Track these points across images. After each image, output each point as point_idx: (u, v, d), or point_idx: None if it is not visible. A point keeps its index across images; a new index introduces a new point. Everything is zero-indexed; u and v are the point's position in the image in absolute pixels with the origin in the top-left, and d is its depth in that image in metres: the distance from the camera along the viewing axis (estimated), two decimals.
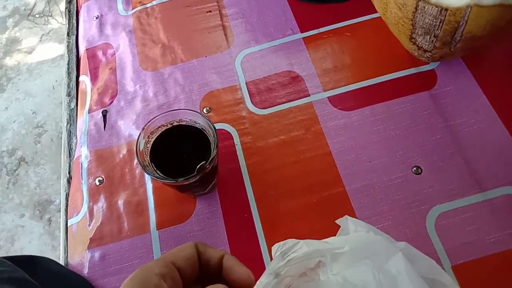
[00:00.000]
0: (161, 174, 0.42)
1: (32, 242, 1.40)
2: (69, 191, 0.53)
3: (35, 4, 1.94)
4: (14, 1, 1.95)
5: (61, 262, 0.48)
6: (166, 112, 0.44)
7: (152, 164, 0.44)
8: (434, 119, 0.50)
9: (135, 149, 0.42)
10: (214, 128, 0.43)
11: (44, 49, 1.81)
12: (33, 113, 1.65)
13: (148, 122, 0.43)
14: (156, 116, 0.44)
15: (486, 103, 0.51)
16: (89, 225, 0.49)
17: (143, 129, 0.43)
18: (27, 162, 1.55)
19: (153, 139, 0.45)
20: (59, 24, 1.87)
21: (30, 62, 1.78)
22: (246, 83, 0.56)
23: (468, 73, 0.53)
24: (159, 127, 0.45)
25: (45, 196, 1.48)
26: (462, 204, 0.45)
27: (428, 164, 0.48)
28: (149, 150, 0.44)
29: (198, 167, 0.40)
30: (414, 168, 0.48)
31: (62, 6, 1.92)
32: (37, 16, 1.90)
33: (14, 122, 1.64)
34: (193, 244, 0.31)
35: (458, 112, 0.51)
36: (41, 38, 1.84)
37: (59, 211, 1.44)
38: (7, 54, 1.81)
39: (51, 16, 1.89)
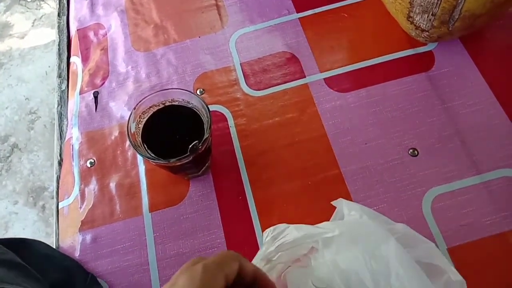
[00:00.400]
0: (153, 155, 0.41)
1: (26, 229, 1.39)
2: (60, 173, 0.52)
3: None
4: None
5: (53, 245, 0.48)
6: (158, 91, 0.43)
7: (144, 145, 0.43)
8: (431, 101, 0.50)
9: (126, 129, 0.41)
10: (208, 108, 0.42)
11: (36, 34, 1.77)
12: (26, 99, 1.62)
13: (140, 101, 0.42)
14: (147, 96, 0.43)
15: (484, 84, 0.50)
16: (80, 207, 0.48)
17: (134, 108, 0.42)
18: (20, 149, 1.53)
19: (145, 119, 0.44)
20: (52, 9, 1.83)
21: (23, 48, 1.75)
22: (240, 64, 0.55)
23: (466, 55, 0.52)
24: (150, 107, 0.44)
25: (39, 182, 1.46)
26: (458, 187, 0.45)
27: (425, 146, 0.47)
28: (141, 130, 0.43)
29: (190, 147, 0.40)
30: (411, 150, 0.47)
31: None
32: (29, 0, 1.87)
33: (6, 108, 1.61)
34: (236, 257, 0.28)
35: (455, 94, 0.50)
36: (33, 23, 1.81)
37: (53, 197, 1.43)
38: None
39: (43, 0, 1.86)
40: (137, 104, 0.42)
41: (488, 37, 0.54)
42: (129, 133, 0.41)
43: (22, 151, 1.52)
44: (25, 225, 1.40)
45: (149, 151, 0.42)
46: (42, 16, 1.82)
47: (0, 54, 1.75)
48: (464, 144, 0.47)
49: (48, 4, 1.85)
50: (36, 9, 1.84)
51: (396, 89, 0.51)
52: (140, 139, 0.43)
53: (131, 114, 0.42)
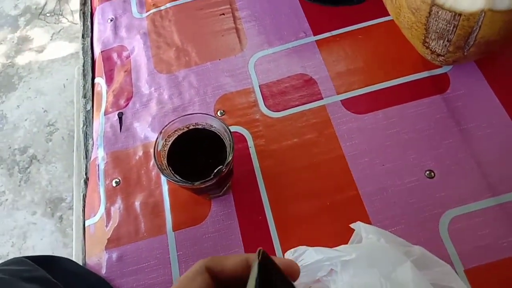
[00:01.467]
0: (179, 178, 0.43)
1: (43, 240, 1.42)
2: (86, 192, 0.54)
3: (46, 3, 1.95)
4: (25, 0, 1.96)
5: (79, 262, 0.50)
6: (182, 116, 0.45)
7: (170, 168, 0.44)
8: (447, 123, 0.51)
9: (152, 152, 0.43)
10: (230, 132, 0.44)
11: (55, 47, 1.82)
12: (44, 111, 1.66)
13: (165, 125, 0.44)
14: (172, 120, 0.44)
15: (499, 106, 0.51)
16: (106, 226, 0.50)
17: (160, 132, 0.44)
18: (38, 160, 1.57)
19: (170, 142, 0.46)
20: (70, 23, 1.88)
21: (42, 61, 1.79)
22: (259, 86, 0.56)
23: (480, 77, 0.54)
24: (175, 130, 0.46)
25: (57, 193, 1.50)
26: (474, 208, 0.46)
27: (441, 168, 0.48)
28: (166, 153, 0.45)
29: (215, 171, 0.41)
30: (427, 172, 0.48)
31: (73, 5, 1.93)
32: (48, 15, 1.92)
33: (25, 120, 1.66)
34: (202, 266, 0.26)
35: (471, 116, 0.51)
36: (52, 36, 1.86)
37: (70, 208, 1.46)
38: (19, 53, 1.83)
39: (61, 15, 1.91)
40: (163, 128, 0.44)
41: (502, 60, 0.55)
42: (156, 156, 0.43)
43: (41, 162, 1.56)
44: (42, 236, 1.43)
45: (176, 175, 0.43)
46: (60, 30, 1.87)
47: (20, 67, 1.80)
48: (480, 166, 0.48)
49: (67, 19, 1.90)
50: (55, 23, 1.89)
51: (412, 111, 0.52)
52: (165, 161, 0.45)
53: (157, 140, 0.43)
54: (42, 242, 1.42)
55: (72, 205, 1.45)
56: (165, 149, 0.45)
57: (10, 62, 1.82)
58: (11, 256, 1.41)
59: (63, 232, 1.43)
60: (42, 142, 1.60)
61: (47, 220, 1.45)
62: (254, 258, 0.24)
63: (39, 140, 1.61)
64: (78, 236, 0.71)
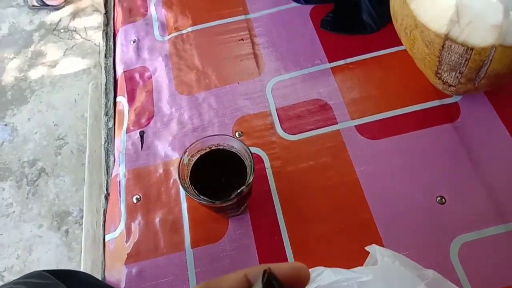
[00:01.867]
0: (203, 197, 0.45)
1: (48, 253, 1.43)
2: (106, 207, 0.56)
3: (60, 20, 2.00)
4: (41, 16, 2.02)
5: (99, 276, 0.51)
6: (205, 137, 0.47)
7: (192, 186, 0.46)
8: (457, 150, 0.53)
9: (177, 171, 0.45)
10: (251, 153, 0.46)
11: (67, 63, 1.86)
12: (54, 125, 1.69)
13: (189, 146, 0.46)
14: (196, 141, 0.47)
15: (507, 135, 0.53)
16: (126, 241, 0.51)
17: (185, 152, 0.46)
18: (47, 173, 1.59)
19: (193, 162, 0.48)
20: (83, 39, 1.93)
21: (54, 75, 1.83)
22: (276, 109, 0.59)
23: (489, 106, 0.56)
24: (198, 150, 0.48)
25: (64, 207, 1.51)
26: (484, 235, 0.47)
27: (452, 194, 0.50)
28: (189, 172, 0.47)
29: (237, 192, 0.43)
30: (438, 198, 0.50)
31: (86, 22, 1.98)
32: (62, 31, 1.97)
33: (36, 133, 1.68)
34: None
35: (480, 144, 0.53)
36: (65, 52, 1.90)
37: (77, 222, 1.47)
38: (32, 67, 1.87)
39: (75, 31, 1.96)
40: (187, 148, 0.46)
41: (510, 90, 0.57)
42: (180, 175, 0.45)
43: (49, 176, 1.58)
44: (48, 249, 1.43)
45: (200, 195, 0.45)
46: (73, 46, 1.91)
47: (33, 81, 1.83)
48: (490, 193, 0.50)
49: (80, 35, 1.94)
50: (68, 39, 1.94)
51: (424, 138, 0.54)
52: (188, 180, 0.46)
53: (181, 159, 0.45)
54: (47, 256, 1.42)
55: (79, 219, 1.46)
56: (188, 168, 0.47)
57: (23, 75, 1.86)
58: (15, 269, 1.42)
59: (69, 246, 1.44)
60: (51, 155, 1.62)
61: (53, 234, 1.46)
62: (255, 276, 0.23)
63: (48, 153, 1.63)
64: (87, 250, 0.72)
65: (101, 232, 0.54)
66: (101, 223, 0.55)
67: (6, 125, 1.72)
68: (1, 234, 1.48)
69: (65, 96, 1.76)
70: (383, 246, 0.48)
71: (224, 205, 0.45)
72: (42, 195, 1.54)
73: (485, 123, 0.54)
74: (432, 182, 0.51)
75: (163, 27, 0.69)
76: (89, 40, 1.91)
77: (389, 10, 0.55)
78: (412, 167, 0.52)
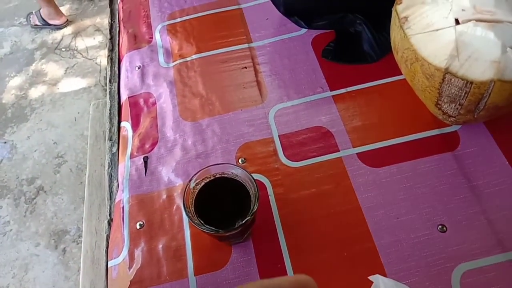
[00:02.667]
0: (207, 226, 0.45)
1: (45, 272, 1.42)
2: (109, 233, 0.56)
3: (62, 39, 2.03)
4: (43, 35, 2.04)
5: None
6: (209, 166, 0.48)
7: (196, 214, 0.47)
8: (457, 179, 0.54)
9: (182, 201, 0.46)
10: (255, 182, 0.46)
11: (68, 81, 1.88)
12: (54, 143, 1.70)
13: (194, 175, 0.47)
14: (200, 170, 0.47)
15: (507, 165, 0.54)
16: (129, 268, 0.51)
17: (190, 180, 0.47)
18: (45, 191, 1.58)
19: (197, 190, 0.48)
20: (84, 59, 1.95)
21: (54, 94, 1.85)
22: (279, 136, 0.60)
23: (488, 135, 0.57)
24: (203, 178, 0.48)
25: (61, 225, 1.50)
26: (485, 264, 0.48)
27: (453, 223, 0.51)
28: (194, 200, 0.48)
29: (242, 222, 0.44)
30: (439, 226, 0.50)
31: (88, 42, 2.00)
32: (63, 50, 1.99)
33: (35, 151, 1.69)
34: None
35: (480, 173, 0.54)
36: (66, 71, 1.92)
37: (74, 241, 1.46)
38: (33, 85, 1.88)
39: (76, 50, 1.98)
40: (192, 178, 0.47)
41: (509, 120, 0.58)
42: (185, 206, 0.45)
43: (48, 194, 1.57)
44: (45, 268, 1.42)
45: (205, 224, 0.46)
46: (74, 65, 1.93)
47: (33, 99, 1.84)
48: (490, 222, 0.50)
49: (81, 54, 1.97)
50: (70, 58, 1.96)
51: (424, 166, 0.55)
52: (193, 209, 0.47)
53: (186, 189, 0.46)
54: (43, 275, 1.41)
55: (77, 238, 1.45)
56: (192, 196, 0.48)
57: (24, 93, 1.87)
58: None
59: (66, 265, 1.42)
60: (50, 173, 1.62)
61: (50, 252, 1.45)
62: None
63: (47, 171, 1.63)
64: (86, 272, 0.72)
65: (102, 254, 0.55)
66: (104, 248, 0.55)
67: (5, 142, 1.73)
68: None
69: (65, 114, 1.78)
70: (385, 274, 0.48)
71: (228, 234, 0.45)
72: (40, 213, 1.54)
73: (484, 151, 0.55)
74: (433, 210, 0.52)
75: (168, 54, 0.70)
76: (90, 59, 1.93)
77: (390, 41, 0.56)
78: (413, 195, 0.53)
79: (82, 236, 0.74)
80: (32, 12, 2.01)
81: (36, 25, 2.02)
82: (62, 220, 1.51)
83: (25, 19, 2.08)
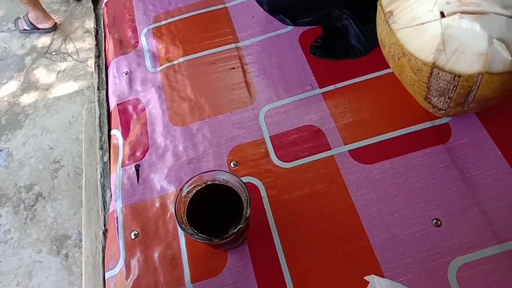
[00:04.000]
0: (201, 235, 0.45)
1: (49, 278, 1.42)
2: (105, 244, 0.56)
3: (51, 42, 2.01)
4: (32, 39, 2.02)
5: None
6: (201, 173, 0.47)
7: (189, 224, 0.46)
8: (450, 171, 0.53)
9: (174, 210, 0.45)
10: (246, 187, 0.46)
11: (60, 85, 1.87)
12: (50, 149, 1.69)
13: (185, 183, 0.47)
14: (191, 178, 0.47)
15: (499, 155, 0.54)
16: (126, 278, 0.51)
17: (180, 189, 0.46)
18: (44, 197, 1.58)
19: (189, 199, 0.48)
20: (75, 61, 1.93)
21: (47, 99, 1.84)
22: (270, 137, 0.59)
23: (480, 126, 0.56)
24: (194, 186, 0.48)
25: (62, 231, 1.50)
26: (481, 256, 0.48)
27: (447, 217, 0.50)
28: (186, 209, 0.47)
29: (235, 230, 0.43)
30: (434, 221, 0.50)
31: (78, 44, 1.99)
32: (53, 53, 1.97)
33: (31, 157, 1.68)
34: None
35: (473, 165, 0.54)
36: (57, 75, 1.90)
37: (76, 246, 1.47)
38: (25, 91, 1.87)
39: (67, 53, 1.96)
40: (182, 187, 0.46)
41: (500, 109, 0.58)
42: (177, 216, 0.45)
43: (46, 200, 1.57)
44: (48, 274, 1.43)
45: (197, 232, 0.45)
46: (66, 68, 1.92)
47: (26, 105, 1.83)
48: (484, 214, 0.50)
49: (72, 57, 1.95)
50: (60, 61, 1.95)
51: (417, 160, 0.55)
52: (185, 218, 0.47)
53: (177, 199, 0.46)
54: (47, 281, 1.42)
55: (78, 242, 1.46)
56: (184, 205, 0.47)
57: (16, 100, 1.86)
58: None
59: (69, 269, 1.43)
60: (48, 179, 1.62)
61: (52, 258, 1.46)
62: None
63: (44, 177, 1.63)
64: (88, 278, 0.72)
65: (101, 259, 0.55)
66: (101, 260, 0.55)
67: (1, 150, 1.72)
68: (0, 261, 1.47)
69: (59, 119, 1.77)
70: (381, 272, 0.48)
71: (222, 242, 0.45)
72: (40, 219, 1.54)
73: (477, 143, 0.55)
74: (427, 205, 0.51)
75: (155, 58, 0.70)
76: (81, 62, 1.92)
77: (377, 34, 0.56)
78: (406, 191, 0.53)
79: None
80: (20, 17, 1.99)
81: (24, 29, 2.00)
82: (63, 225, 1.51)
83: (13, 24, 2.06)
